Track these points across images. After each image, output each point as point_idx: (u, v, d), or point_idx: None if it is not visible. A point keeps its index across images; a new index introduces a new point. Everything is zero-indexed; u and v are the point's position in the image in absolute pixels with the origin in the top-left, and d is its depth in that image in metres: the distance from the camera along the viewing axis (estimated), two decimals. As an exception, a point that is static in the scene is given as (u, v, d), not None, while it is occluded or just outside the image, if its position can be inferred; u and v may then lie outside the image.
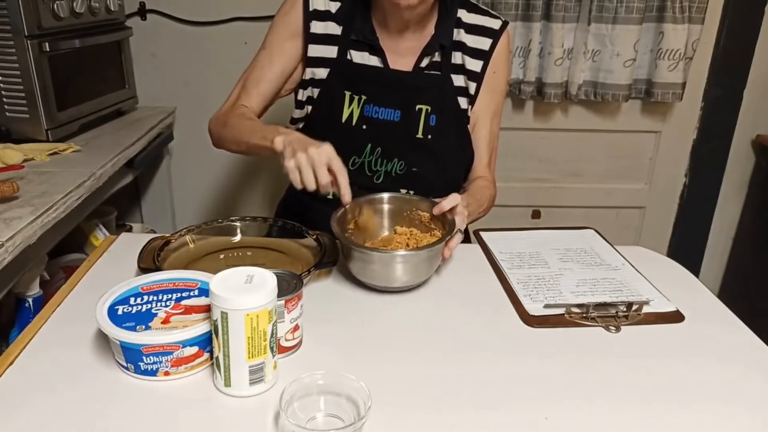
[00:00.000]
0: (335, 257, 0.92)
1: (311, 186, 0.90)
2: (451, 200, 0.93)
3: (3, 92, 1.41)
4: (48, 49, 1.40)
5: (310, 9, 1.13)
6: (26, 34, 1.35)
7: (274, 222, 1.04)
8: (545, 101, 1.95)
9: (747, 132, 2.11)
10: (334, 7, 1.13)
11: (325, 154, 0.89)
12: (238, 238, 1.03)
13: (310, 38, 1.13)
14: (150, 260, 0.88)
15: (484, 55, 1.15)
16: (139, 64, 1.88)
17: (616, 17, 1.84)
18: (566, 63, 1.90)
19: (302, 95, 1.18)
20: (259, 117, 1.17)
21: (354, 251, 0.88)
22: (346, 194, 0.92)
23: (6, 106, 1.42)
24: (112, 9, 1.65)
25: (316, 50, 1.14)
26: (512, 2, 1.83)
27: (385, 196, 1.02)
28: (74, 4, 1.49)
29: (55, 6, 1.42)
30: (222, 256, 0.99)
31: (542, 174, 2.15)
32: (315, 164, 0.89)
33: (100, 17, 1.61)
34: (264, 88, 1.17)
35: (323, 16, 1.13)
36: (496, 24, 1.16)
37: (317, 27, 1.13)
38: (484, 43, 1.15)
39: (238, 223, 1.03)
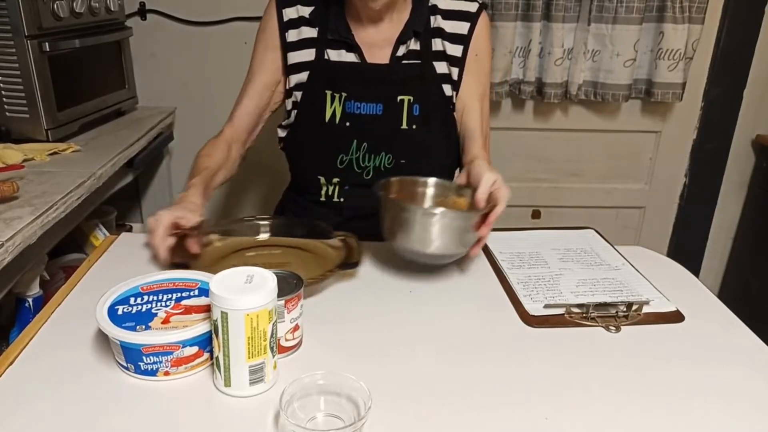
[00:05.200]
0: (359, 258, 0.92)
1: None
2: (486, 184, 0.90)
3: (3, 92, 1.41)
4: (48, 49, 1.40)
5: (285, 20, 1.15)
6: (26, 34, 1.35)
7: (301, 221, 1.04)
8: (545, 101, 1.95)
9: (747, 132, 2.11)
10: (307, 12, 1.15)
11: (152, 221, 0.90)
12: (264, 236, 1.03)
13: (288, 47, 1.16)
14: (180, 256, 0.90)
15: (464, 39, 1.15)
16: (139, 64, 1.89)
17: (616, 17, 1.84)
18: (566, 63, 1.90)
19: (288, 103, 1.19)
20: (252, 130, 1.21)
21: (392, 208, 0.89)
22: (163, 261, 0.90)
23: (6, 106, 1.42)
24: (112, 9, 1.65)
25: (294, 57, 1.16)
26: (512, 2, 1.83)
27: (430, 180, 1.02)
28: (74, 4, 1.49)
29: (55, 6, 1.41)
30: (251, 254, 0.99)
31: (542, 174, 2.15)
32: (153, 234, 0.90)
33: (100, 17, 1.61)
34: (249, 106, 1.20)
35: (297, 23, 1.15)
36: (472, 7, 1.16)
37: (292, 35, 1.15)
38: (462, 27, 1.15)
39: (264, 221, 1.04)
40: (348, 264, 0.91)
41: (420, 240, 0.88)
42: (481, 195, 0.89)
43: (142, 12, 1.92)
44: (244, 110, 1.19)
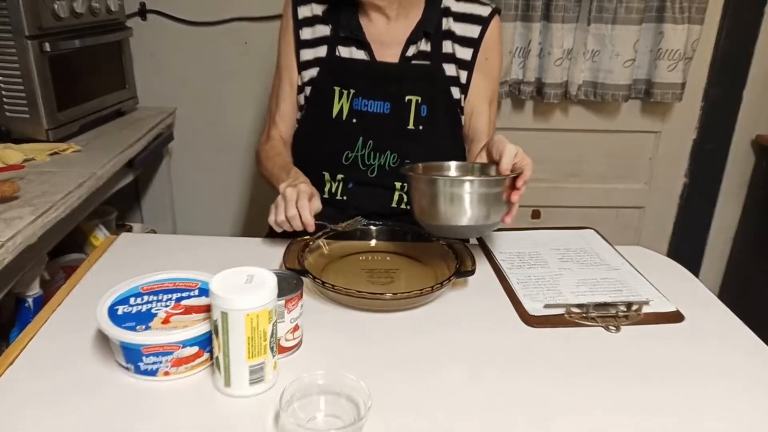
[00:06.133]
0: (474, 266, 0.91)
1: (278, 220, 0.96)
2: (509, 155, 0.92)
3: (3, 92, 1.41)
4: (48, 49, 1.40)
5: (300, 17, 1.17)
6: (26, 34, 1.35)
7: (404, 227, 1.05)
8: (545, 101, 1.94)
9: (747, 132, 2.11)
10: (320, 10, 1.16)
11: (295, 192, 0.96)
12: (372, 242, 1.04)
13: (301, 44, 1.17)
14: (294, 260, 0.91)
15: (474, 43, 1.16)
16: (139, 64, 1.89)
17: (616, 17, 1.84)
18: (566, 63, 1.90)
19: (301, 98, 1.20)
20: (293, 129, 1.24)
21: (422, 185, 0.90)
22: (308, 225, 0.95)
23: (6, 106, 1.42)
24: (113, 9, 1.65)
25: (307, 54, 1.17)
26: (512, 2, 1.83)
27: (452, 163, 1.02)
28: (74, 4, 1.49)
29: (56, 6, 1.41)
30: (362, 258, 1.01)
31: (542, 174, 2.15)
32: (286, 203, 0.95)
33: (100, 17, 1.61)
34: (285, 109, 1.23)
35: (311, 21, 1.17)
36: (485, 11, 1.16)
37: (306, 33, 1.17)
38: (473, 30, 1.15)
39: (371, 227, 1.05)
40: (464, 272, 0.90)
41: (454, 213, 0.88)
42: (506, 165, 0.91)
43: (142, 12, 1.92)
44: (285, 112, 1.23)
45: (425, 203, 0.90)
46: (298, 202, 0.95)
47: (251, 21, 1.91)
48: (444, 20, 1.15)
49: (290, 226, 0.96)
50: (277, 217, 0.97)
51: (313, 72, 1.17)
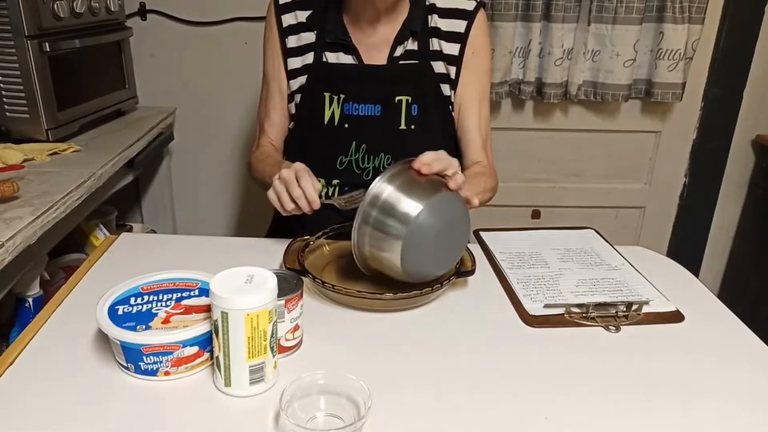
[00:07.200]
0: (474, 265, 0.91)
1: (288, 206, 0.92)
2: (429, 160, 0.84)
3: (3, 92, 1.41)
4: (48, 49, 1.40)
5: (284, 26, 1.16)
6: (26, 34, 1.35)
7: None
8: (545, 101, 1.95)
9: (747, 132, 2.11)
10: (305, 16, 1.16)
11: (292, 172, 0.92)
12: None
13: (288, 53, 1.17)
14: (294, 260, 0.91)
15: (460, 38, 1.15)
16: (139, 64, 1.89)
17: (616, 17, 1.84)
18: (566, 63, 1.90)
19: (292, 107, 1.20)
20: (283, 137, 1.24)
21: (357, 241, 0.84)
22: (313, 202, 0.91)
23: (6, 106, 1.42)
24: (112, 9, 1.65)
25: (294, 62, 1.17)
26: (512, 2, 1.83)
27: None
28: (74, 4, 1.49)
29: (55, 6, 1.41)
30: None
31: (542, 174, 2.15)
32: (287, 185, 0.92)
33: (100, 17, 1.61)
34: (275, 117, 1.22)
35: (296, 29, 1.16)
36: (470, 5, 1.16)
37: (291, 41, 1.17)
38: (459, 25, 1.15)
39: None
40: (464, 272, 0.90)
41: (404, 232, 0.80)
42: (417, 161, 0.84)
43: (142, 12, 1.92)
44: (275, 121, 1.22)
45: (376, 253, 0.83)
46: (300, 181, 0.91)
47: (251, 21, 1.91)
48: (429, 18, 1.15)
49: (297, 207, 0.92)
50: (285, 205, 0.92)
51: (302, 80, 1.16)
